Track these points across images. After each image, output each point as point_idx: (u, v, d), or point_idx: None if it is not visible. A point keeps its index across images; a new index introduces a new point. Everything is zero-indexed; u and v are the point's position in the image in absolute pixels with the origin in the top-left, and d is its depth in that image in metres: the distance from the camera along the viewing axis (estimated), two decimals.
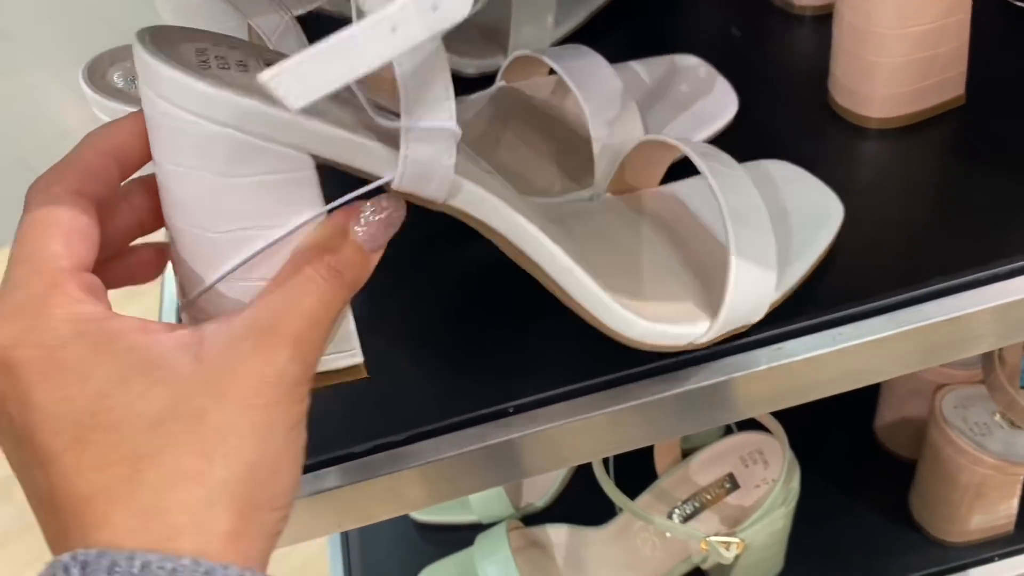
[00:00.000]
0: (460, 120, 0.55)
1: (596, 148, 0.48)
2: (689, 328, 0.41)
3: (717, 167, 0.42)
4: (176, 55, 0.30)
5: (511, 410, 0.43)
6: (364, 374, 0.36)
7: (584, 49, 0.52)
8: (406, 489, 0.42)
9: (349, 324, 0.35)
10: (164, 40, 0.30)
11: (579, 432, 0.42)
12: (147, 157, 0.32)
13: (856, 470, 0.79)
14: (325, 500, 0.42)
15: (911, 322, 0.42)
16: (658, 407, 0.42)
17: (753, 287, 0.40)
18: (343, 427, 0.43)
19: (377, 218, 0.32)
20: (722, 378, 0.42)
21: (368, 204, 0.32)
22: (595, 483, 0.65)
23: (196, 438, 0.27)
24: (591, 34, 0.64)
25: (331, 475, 0.42)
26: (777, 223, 0.42)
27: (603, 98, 0.49)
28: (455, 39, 0.62)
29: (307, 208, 0.31)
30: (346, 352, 0.35)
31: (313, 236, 0.31)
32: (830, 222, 0.45)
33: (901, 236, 0.46)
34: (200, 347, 0.29)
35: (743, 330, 0.42)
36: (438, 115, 0.31)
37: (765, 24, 0.62)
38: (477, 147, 0.53)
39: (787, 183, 0.47)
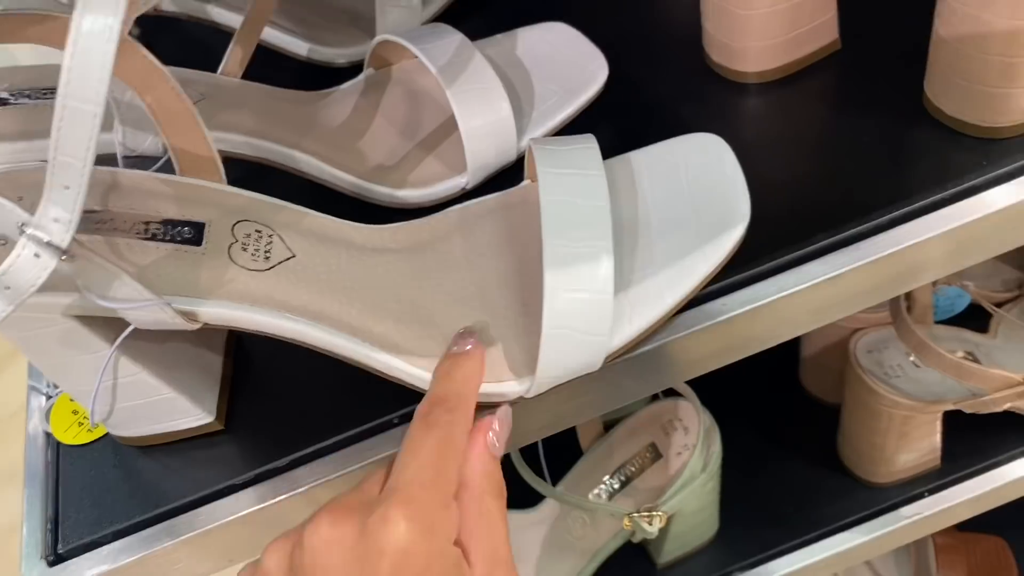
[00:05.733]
0: (331, 113, 0.53)
1: (464, 132, 0.46)
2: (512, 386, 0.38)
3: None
4: None
5: (396, 420, 0.41)
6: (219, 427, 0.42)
7: (444, 28, 0.49)
8: (292, 516, 0.41)
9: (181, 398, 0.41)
10: None
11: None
12: None
13: (785, 420, 0.79)
14: (210, 537, 0.40)
15: (795, 285, 0.41)
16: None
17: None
18: (226, 460, 0.42)
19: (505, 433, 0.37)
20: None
21: (494, 420, 0.36)
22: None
23: None
24: (465, 8, 0.61)
25: (213, 510, 0.41)
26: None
27: (465, 78, 0.46)
28: (321, 29, 0.59)
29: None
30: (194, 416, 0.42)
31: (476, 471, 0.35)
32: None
33: (783, 194, 0.45)
34: None
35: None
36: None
37: None
38: (348, 141, 0.50)
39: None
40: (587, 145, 0.41)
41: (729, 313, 0.41)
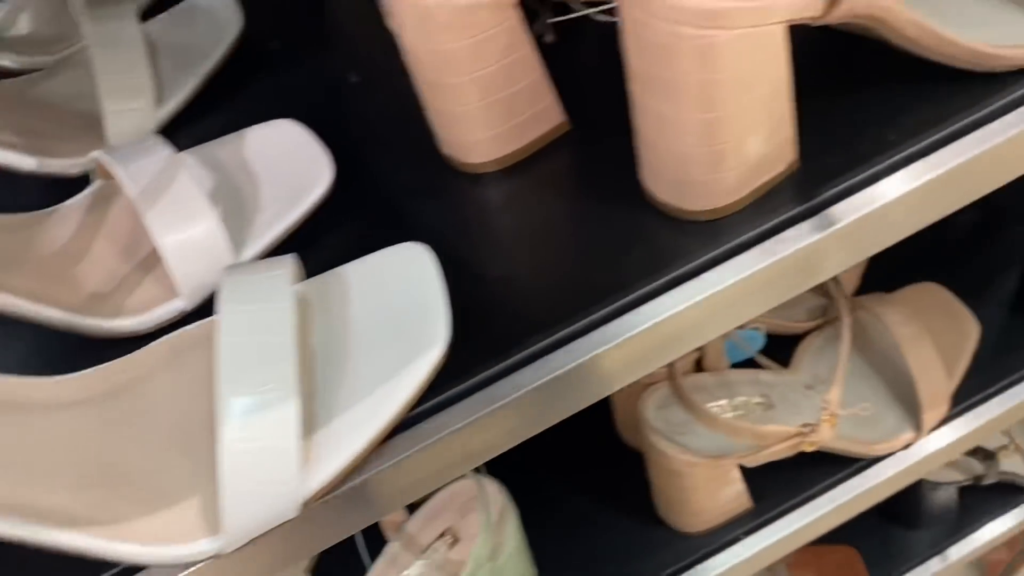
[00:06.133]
0: (49, 236, 0.50)
1: (166, 255, 0.44)
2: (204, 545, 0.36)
3: None
4: None
5: None
6: None
7: (154, 144, 0.47)
8: None
9: None
10: None
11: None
12: None
13: (605, 470, 0.78)
14: None
15: (507, 395, 0.40)
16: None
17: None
18: None
19: None
20: None
21: None
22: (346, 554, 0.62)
23: None
24: (205, 105, 0.59)
25: None
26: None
27: (168, 199, 0.44)
28: (50, 138, 0.56)
29: None
30: None
31: None
32: None
33: (505, 292, 0.44)
34: None
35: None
36: None
37: (388, 72, 0.59)
38: (62, 268, 0.47)
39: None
40: (277, 272, 0.39)
41: (441, 433, 0.40)
